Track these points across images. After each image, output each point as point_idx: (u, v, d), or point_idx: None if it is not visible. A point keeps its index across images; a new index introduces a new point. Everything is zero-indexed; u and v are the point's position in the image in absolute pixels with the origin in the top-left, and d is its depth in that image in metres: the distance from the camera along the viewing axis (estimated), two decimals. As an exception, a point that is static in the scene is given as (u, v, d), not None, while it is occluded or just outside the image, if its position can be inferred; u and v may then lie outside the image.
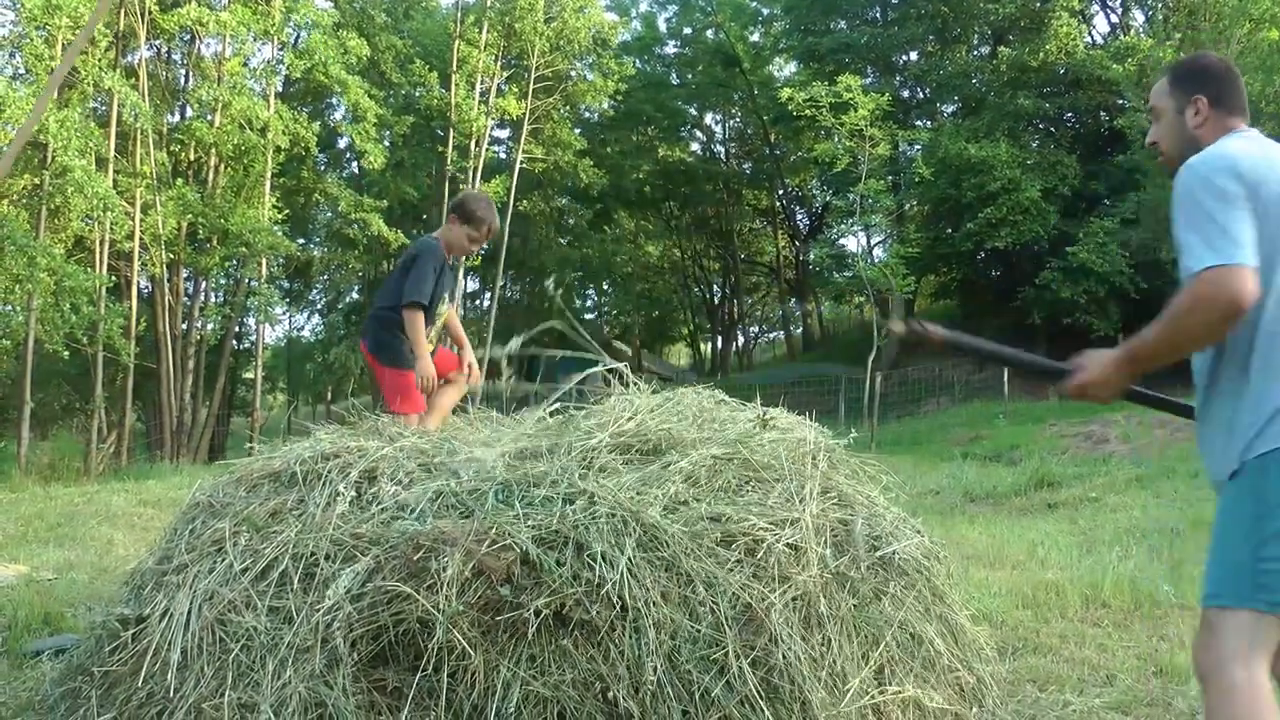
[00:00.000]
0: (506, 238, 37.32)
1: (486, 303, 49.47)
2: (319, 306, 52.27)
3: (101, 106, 29.82)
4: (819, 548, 3.70)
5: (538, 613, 3.21)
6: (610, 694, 3.17)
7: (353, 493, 3.82)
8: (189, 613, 3.57)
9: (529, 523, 3.46)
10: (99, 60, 26.06)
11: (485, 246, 6.29)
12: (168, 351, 30.68)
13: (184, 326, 32.45)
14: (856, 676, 3.40)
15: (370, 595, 3.32)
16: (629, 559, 3.33)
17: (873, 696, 3.41)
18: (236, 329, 35.54)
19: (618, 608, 3.25)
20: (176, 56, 35.14)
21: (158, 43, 32.49)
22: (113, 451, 28.26)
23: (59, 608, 6.08)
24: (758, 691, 3.19)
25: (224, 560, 3.71)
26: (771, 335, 67.05)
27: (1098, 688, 4.75)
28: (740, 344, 59.96)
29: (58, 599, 6.29)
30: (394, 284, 6.30)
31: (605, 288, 54.80)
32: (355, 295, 49.63)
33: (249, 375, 41.55)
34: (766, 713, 3.16)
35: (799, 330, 55.69)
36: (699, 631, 3.29)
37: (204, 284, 33.53)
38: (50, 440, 29.38)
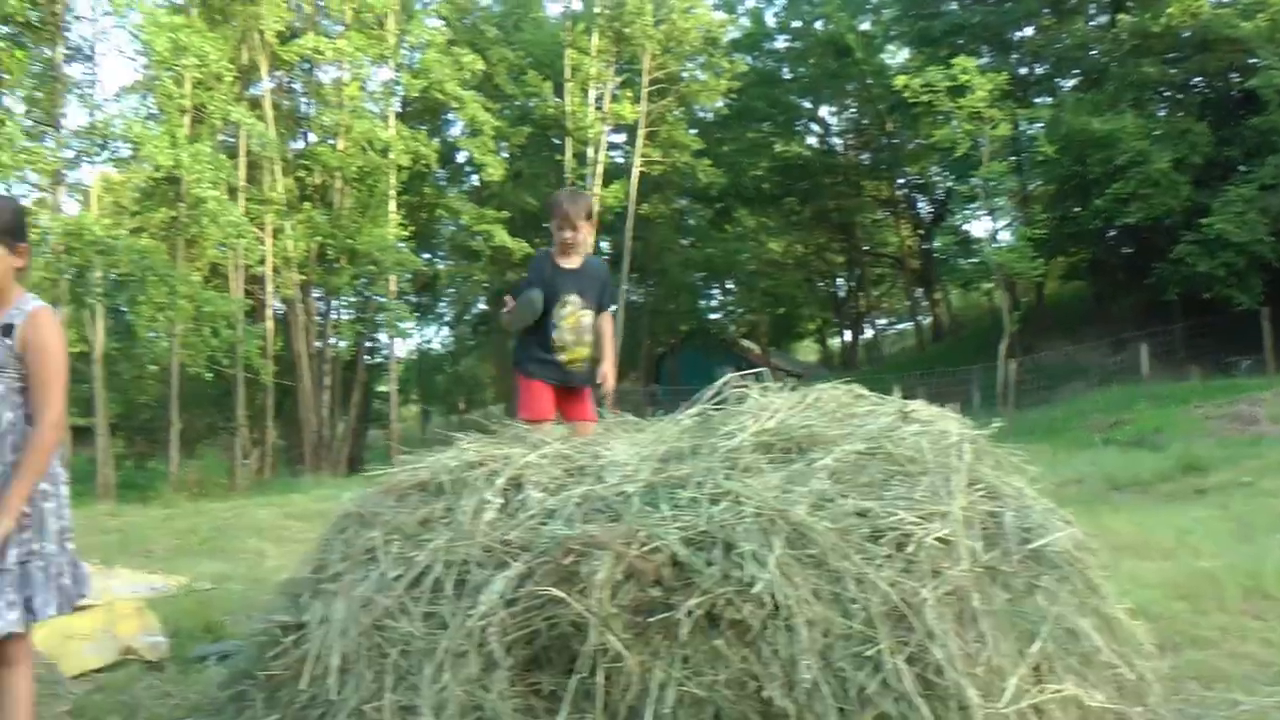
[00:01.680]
0: (629, 242, 37.47)
1: (612, 307, 49.66)
2: (447, 319, 52.90)
3: (229, 139, 30.60)
4: (969, 541, 3.64)
5: (689, 613, 3.21)
6: (765, 693, 3.16)
7: (500, 500, 3.87)
8: (346, 619, 3.65)
9: (677, 524, 3.46)
10: (225, 95, 26.72)
11: (570, 234, 6.22)
12: (304, 369, 31.36)
13: (318, 345, 33.18)
14: (1014, 674, 3.34)
15: (523, 600, 3.36)
16: (778, 557, 3.32)
17: (1032, 695, 3.34)
18: (369, 344, 36.15)
19: (769, 606, 3.24)
20: (297, 86, 35.91)
21: (278, 74, 33.21)
22: (256, 467, 28.97)
23: (218, 616, 6.31)
24: (914, 689, 3.15)
25: (377, 568, 3.78)
26: (899, 327, 66.33)
27: (1267, 685, 4.54)
28: (868, 337, 59.50)
29: (216, 608, 6.51)
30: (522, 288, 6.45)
31: (729, 287, 54.70)
32: (481, 306, 50.15)
33: (383, 389, 42.27)
34: (924, 711, 3.12)
35: (927, 320, 54.94)
36: (851, 629, 3.26)
37: (335, 303, 34.19)
38: (198, 459, 30.24)
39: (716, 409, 4.59)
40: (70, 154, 25.06)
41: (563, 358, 6.25)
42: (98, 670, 5.32)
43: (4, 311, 3.60)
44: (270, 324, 30.18)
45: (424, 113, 37.88)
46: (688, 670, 3.21)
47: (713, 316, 56.30)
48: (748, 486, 3.65)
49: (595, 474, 3.98)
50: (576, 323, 6.29)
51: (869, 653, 3.21)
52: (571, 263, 6.33)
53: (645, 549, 3.34)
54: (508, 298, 6.37)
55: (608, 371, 6.33)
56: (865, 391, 4.83)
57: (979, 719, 3.15)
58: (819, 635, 3.24)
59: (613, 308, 6.62)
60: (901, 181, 50.68)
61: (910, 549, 3.48)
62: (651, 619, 3.25)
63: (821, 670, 3.18)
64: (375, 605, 3.63)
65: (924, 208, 52.50)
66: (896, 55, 44.57)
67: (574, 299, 6.27)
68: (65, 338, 3.72)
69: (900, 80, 31.15)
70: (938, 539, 3.54)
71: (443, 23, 36.23)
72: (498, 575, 3.45)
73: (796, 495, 3.66)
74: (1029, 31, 38.60)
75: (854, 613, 3.29)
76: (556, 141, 38.56)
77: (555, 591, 3.28)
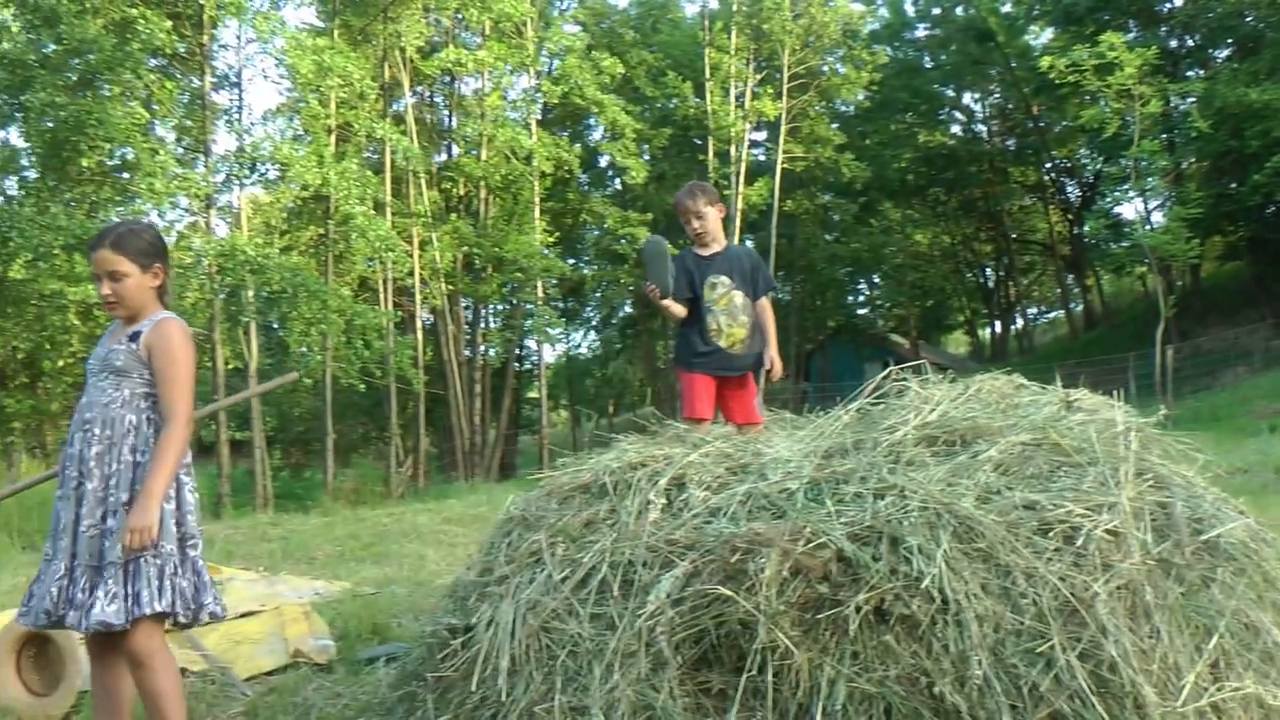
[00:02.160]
0: (774, 239, 37.35)
1: (771, 291, 49.56)
2: (594, 323, 53.25)
3: (373, 155, 31.26)
4: (1139, 533, 3.55)
5: (858, 609, 3.19)
6: (936, 689, 3.12)
7: (663, 500, 3.88)
8: (514, 621, 3.69)
9: (842, 519, 3.44)
10: (369, 112, 27.29)
11: (697, 223, 6.28)
12: (454, 378, 31.86)
13: (467, 353, 33.67)
14: (1190, 671, 3.24)
15: (690, 599, 3.36)
16: (945, 552, 3.28)
17: (1210, 694, 3.24)
18: (518, 351, 36.58)
19: (937, 601, 3.20)
20: (439, 99, 36.50)
21: (419, 88, 33.80)
22: (410, 474, 29.48)
23: (384, 619, 6.44)
24: (1087, 686, 3.07)
25: (543, 570, 3.81)
26: (1050, 315, 65.15)
27: None
28: (1019, 327, 58.48)
29: (381, 611, 6.64)
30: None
31: (876, 281, 54.24)
32: (628, 309, 50.40)
33: (533, 395, 42.73)
34: (1098, 708, 3.04)
35: (1079, 308, 53.81)
36: (1022, 624, 3.20)
37: (483, 311, 34.66)
38: (352, 468, 30.91)
39: (876, 403, 4.56)
40: (220, 178, 25.82)
41: (721, 342, 6.27)
42: (269, 673, 5.47)
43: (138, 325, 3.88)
44: (420, 334, 30.70)
45: (565, 119, 38.26)
46: (857, 666, 3.18)
47: (860, 312, 55.91)
48: (912, 480, 3.61)
49: (758, 471, 3.96)
50: (729, 302, 6.29)
51: (1040, 649, 3.14)
52: (711, 250, 6.41)
53: (811, 545, 3.32)
54: (647, 284, 6.39)
55: (773, 357, 6.31)
56: (1026, 381, 4.77)
57: (1156, 718, 3.07)
58: (989, 630, 3.18)
59: (772, 291, 6.63)
60: (1049, 166, 49.49)
61: (1079, 542, 3.40)
62: (820, 615, 3.23)
63: (992, 666, 3.12)
64: (542, 607, 3.66)
65: (1073, 191, 51.29)
66: (1040, 36, 43.63)
67: (723, 279, 6.31)
68: (193, 345, 3.92)
69: (1045, 61, 30.50)
70: (1107, 531, 3.46)
71: (580, 28, 36.56)
72: (665, 574, 3.45)
73: (962, 488, 3.61)
74: (1178, 2, 37.31)
75: (1024, 607, 3.22)
76: (698, 142, 38.61)
77: (723, 589, 3.28)
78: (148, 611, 3.57)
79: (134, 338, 3.83)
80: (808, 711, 3.17)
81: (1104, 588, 3.28)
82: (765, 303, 6.46)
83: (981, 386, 4.60)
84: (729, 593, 3.26)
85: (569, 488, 4.30)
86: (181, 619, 3.74)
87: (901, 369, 4.74)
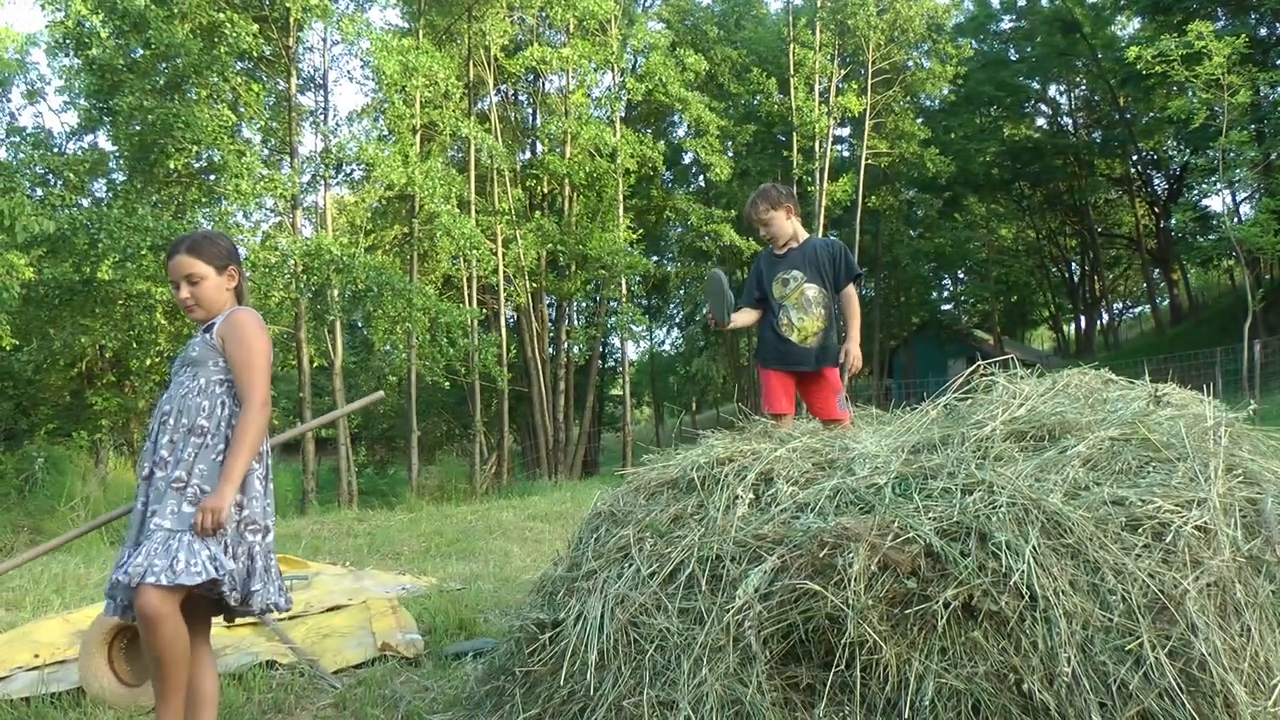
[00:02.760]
0: (858, 235, 37.16)
1: (857, 276, 49.29)
2: (677, 320, 53.26)
3: (458, 154, 31.48)
4: (1229, 529, 3.51)
5: (946, 605, 3.18)
6: (1024, 686, 3.11)
7: (751, 495, 3.89)
8: (602, 616, 3.72)
9: (930, 515, 3.43)
10: (454, 111, 27.50)
11: (763, 230, 6.40)
12: (538, 375, 32.02)
13: (551, 350, 33.81)
14: (1283, 671, 3.21)
15: (778, 594, 3.37)
16: (1034, 548, 3.27)
17: (1304, 696, 3.20)
18: (601, 348, 36.66)
19: (1026, 598, 3.19)
20: (522, 97, 36.68)
21: (503, 87, 33.98)
22: (494, 472, 29.66)
23: (470, 614, 6.50)
24: (1177, 684, 3.04)
25: (631, 565, 3.84)
26: (1136, 310, 64.21)
27: None
28: (1104, 322, 57.68)
29: (468, 606, 6.70)
30: None
31: (961, 277, 53.77)
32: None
33: (616, 392, 42.82)
34: (1188, 707, 3.01)
35: (1164, 302, 52.95)
36: (1111, 621, 3.17)
37: (567, 308, 34.80)
38: (437, 465, 31.17)
39: (964, 399, 4.55)
40: (306, 178, 26.11)
41: (793, 337, 6.34)
42: (356, 666, 5.53)
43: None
44: (504, 332, 30.88)
45: (648, 116, 38.29)
46: (945, 662, 3.17)
47: (945, 308, 55.45)
48: (1000, 475, 3.59)
49: (845, 466, 3.96)
50: (800, 296, 6.36)
51: (1129, 646, 3.11)
52: (785, 248, 6.56)
53: (899, 540, 3.32)
54: (708, 312, 6.56)
55: (851, 349, 6.31)
56: (1114, 376, 4.73)
57: (1246, 717, 3.04)
58: (1078, 627, 3.16)
59: (857, 278, 6.63)
60: (1135, 158, 48.62)
61: (1168, 538, 3.36)
62: (908, 610, 3.23)
63: (1081, 663, 3.10)
64: (630, 601, 3.68)
65: (1159, 184, 50.38)
66: (1127, 26, 42.98)
67: (794, 274, 6.43)
68: (267, 334, 4.00)
69: (1132, 52, 29.94)
70: (1196, 527, 3.42)
71: (664, 25, 36.57)
72: (753, 569, 3.47)
73: (1050, 483, 3.58)
74: (1268, -12, 36.60)
75: (1113, 604, 3.20)
76: (781, 138, 38.49)
77: (811, 584, 3.29)
78: (164, 580, 3.55)
79: (208, 329, 3.98)
80: (895, 706, 3.18)
81: (1193, 585, 3.25)
82: (850, 291, 6.50)
83: (1069, 381, 4.58)
84: (817, 587, 3.28)
85: (656, 483, 4.33)
86: (230, 601, 3.77)
87: (989, 364, 4.72)
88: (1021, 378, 4.57)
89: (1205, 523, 3.43)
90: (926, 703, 3.12)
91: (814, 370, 6.37)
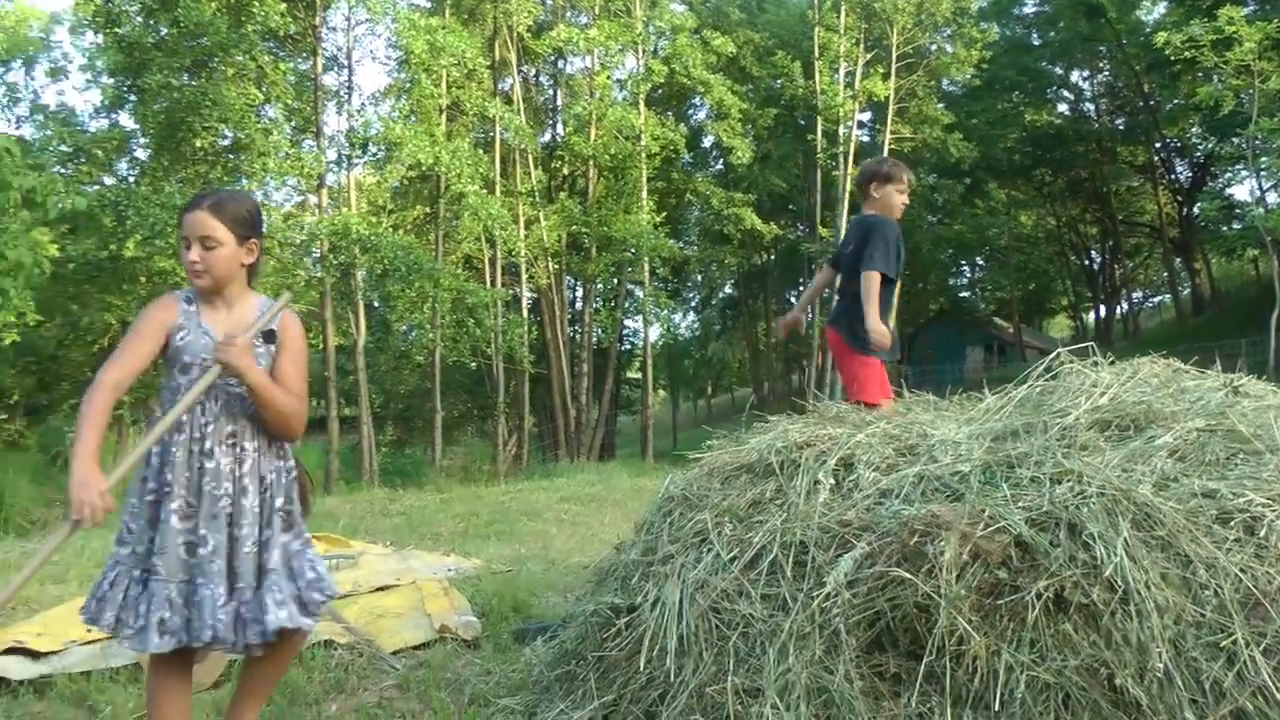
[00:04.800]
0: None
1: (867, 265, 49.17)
2: (693, 304, 53.23)
3: (481, 134, 31.47)
4: (1322, 523, 3.46)
5: (1038, 595, 3.15)
6: (1116, 681, 3.06)
7: (832, 480, 3.86)
8: (681, 601, 3.69)
9: (1019, 504, 3.39)
10: (480, 91, 27.49)
11: (904, 199, 5.95)
12: (557, 357, 32.04)
13: (572, 333, 33.81)
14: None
15: (866, 581, 3.34)
16: (1125, 540, 3.22)
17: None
18: (621, 331, 36.65)
19: (1119, 591, 3.15)
20: (544, 79, 36.63)
21: (525, 68, 33.93)
22: (514, 454, 29.73)
23: (523, 596, 6.48)
24: (1273, 683, 3.00)
25: (710, 550, 3.81)
26: (1157, 299, 64.01)
27: None
28: (1124, 311, 57.50)
29: (520, 588, 6.68)
30: (852, 262, 5.99)
31: (980, 263, 53.62)
32: (729, 290, 50.31)
33: (633, 375, 42.80)
34: (1286, 703, 2.98)
35: (1186, 292, 52.71)
36: (1203, 616, 3.12)
37: (589, 290, 34.80)
38: (456, 445, 31.21)
39: (1042, 385, 4.49)
40: (331, 158, 26.13)
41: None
42: (415, 648, 5.50)
43: (232, 309, 3.62)
44: (524, 313, 30.89)
45: (670, 98, 38.17)
46: (1035, 654, 3.14)
47: (963, 294, 55.33)
48: (1089, 465, 3.55)
49: (926, 453, 3.93)
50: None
51: (1223, 643, 3.06)
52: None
53: (990, 529, 3.28)
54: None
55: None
56: (1184, 365, 4.67)
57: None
58: (1170, 622, 3.12)
59: (869, 264, 5.86)
60: (1159, 145, 48.34)
61: (1261, 532, 3.30)
62: (999, 601, 3.20)
63: (1174, 659, 3.06)
64: (711, 587, 3.65)
65: (1183, 172, 50.10)
66: (1153, 11, 42.58)
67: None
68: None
69: (1160, 37, 29.78)
70: (1290, 523, 3.37)
71: (686, 7, 36.45)
72: (844, 555, 3.43)
73: (1139, 474, 3.54)
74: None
75: (1205, 599, 3.15)
76: (802, 122, 38.34)
77: (901, 572, 3.26)
78: (322, 610, 3.53)
79: (269, 338, 3.60)
80: (982, 699, 3.14)
81: (1289, 582, 3.20)
82: (868, 274, 5.88)
83: (1140, 369, 4.52)
84: (908, 575, 3.24)
85: (731, 467, 4.29)
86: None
87: (1071, 350, 4.66)
88: (1098, 364, 4.53)
89: (1298, 517, 3.38)
90: (1017, 695, 3.09)
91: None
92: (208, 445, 3.46)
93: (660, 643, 3.64)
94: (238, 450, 3.50)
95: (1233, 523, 3.36)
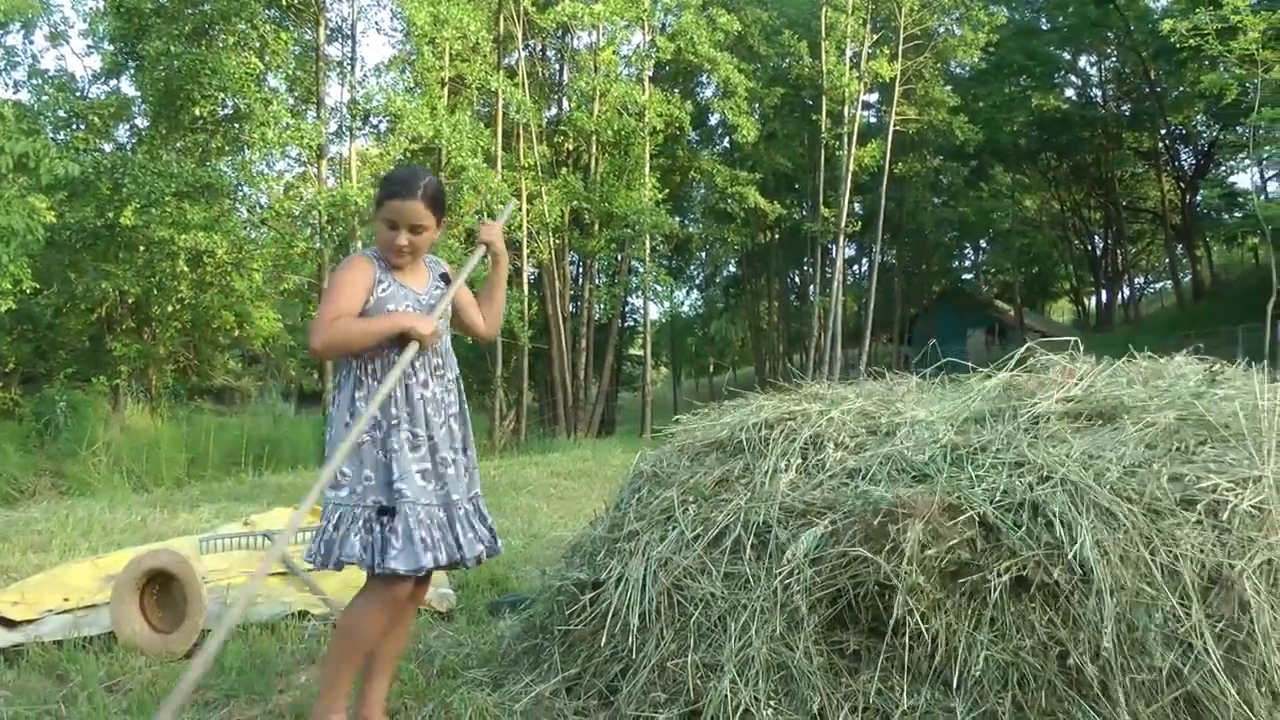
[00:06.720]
0: (884, 201, 36.95)
1: (864, 268, 49.19)
2: (697, 281, 53.15)
3: (484, 108, 31.34)
4: (1283, 508, 3.45)
5: (999, 575, 3.15)
6: (1069, 660, 3.08)
7: (799, 459, 3.85)
8: (644, 578, 3.69)
9: (983, 487, 3.39)
10: (483, 64, 27.36)
11: None
12: (558, 332, 31.99)
13: (572, 308, 33.75)
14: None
15: (830, 560, 3.34)
16: (1087, 523, 3.22)
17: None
18: (623, 307, 36.59)
19: (1079, 572, 3.15)
20: (550, 53, 36.48)
21: (532, 42, 33.79)
22: (512, 428, 29.72)
23: (501, 570, 6.49)
24: (1220, 665, 3.02)
25: (675, 528, 3.81)
26: (1158, 285, 63.92)
27: None
28: (1125, 296, 57.40)
29: (499, 562, 6.64)
30: None
31: (983, 246, 53.53)
32: (732, 269, 50.22)
33: (635, 351, 42.75)
34: (1230, 689, 2.98)
35: (1187, 278, 52.61)
36: (1160, 599, 3.14)
37: (590, 266, 34.73)
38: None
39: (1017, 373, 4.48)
40: (332, 129, 26.05)
41: None
42: (390, 620, 5.50)
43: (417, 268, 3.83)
44: (525, 289, 30.83)
45: (676, 76, 38.02)
46: (994, 634, 3.14)
47: (966, 277, 55.26)
48: (1052, 455, 3.55)
49: (895, 433, 3.92)
50: None
51: (1179, 625, 3.08)
52: None
53: (954, 512, 3.28)
54: None
55: None
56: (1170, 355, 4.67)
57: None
58: (1126, 602, 3.13)
59: None
60: (1164, 132, 48.15)
61: (1223, 516, 3.32)
62: (961, 581, 3.19)
63: (1127, 639, 3.07)
64: (674, 564, 3.66)
65: (1187, 159, 49.98)
66: (1161, -1, 42.47)
67: None
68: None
69: (1166, 24, 29.66)
70: (1252, 506, 3.36)
71: (692, -18, 36.28)
72: (804, 532, 3.43)
73: (1105, 460, 3.54)
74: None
75: (1164, 581, 3.16)
76: (809, 102, 38.20)
77: (864, 551, 3.25)
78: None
79: (445, 278, 3.93)
80: (940, 675, 3.15)
81: (1248, 564, 3.20)
82: None
83: (1122, 362, 4.51)
84: (870, 555, 3.24)
85: (702, 444, 4.29)
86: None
87: (1049, 343, 4.65)
88: (1081, 355, 4.51)
89: (1260, 502, 3.37)
90: (975, 674, 3.09)
91: None
92: (422, 377, 3.67)
93: (623, 619, 3.65)
94: (444, 380, 3.77)
95: (1196, 506, 3.36)
